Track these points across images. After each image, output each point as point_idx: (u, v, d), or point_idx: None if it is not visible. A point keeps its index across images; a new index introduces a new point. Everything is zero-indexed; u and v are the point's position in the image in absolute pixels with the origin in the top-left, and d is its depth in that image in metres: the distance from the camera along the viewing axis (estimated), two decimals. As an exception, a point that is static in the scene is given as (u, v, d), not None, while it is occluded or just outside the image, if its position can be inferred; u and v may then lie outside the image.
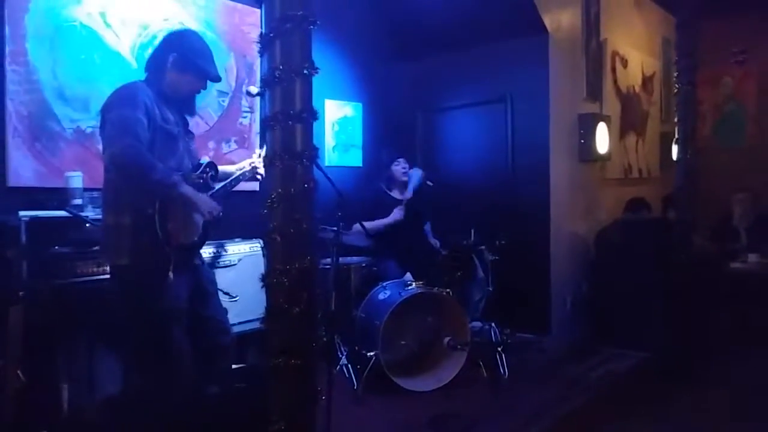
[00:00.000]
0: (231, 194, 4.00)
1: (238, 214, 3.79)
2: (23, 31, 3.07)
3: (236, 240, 3.62)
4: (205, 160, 2.65)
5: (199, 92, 2.58)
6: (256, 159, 2.76)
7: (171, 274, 2.31)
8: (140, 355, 2.38)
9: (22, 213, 2.70)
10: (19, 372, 2.21)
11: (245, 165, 2.77)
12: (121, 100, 2.33)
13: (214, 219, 2.47)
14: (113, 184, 2.35)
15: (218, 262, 3.42)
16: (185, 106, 2.57)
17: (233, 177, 2.70)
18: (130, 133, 2.24)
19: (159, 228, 2.27)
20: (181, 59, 2.45)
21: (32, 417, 2.51)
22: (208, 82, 2.57)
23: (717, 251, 5.05)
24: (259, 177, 2.78)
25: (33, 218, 2.70)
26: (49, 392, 2.61)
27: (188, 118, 2.65)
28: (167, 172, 2.31)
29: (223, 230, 3.63)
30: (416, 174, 4.25)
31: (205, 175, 2.56)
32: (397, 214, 4.07)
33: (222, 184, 2.64)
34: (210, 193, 2.54)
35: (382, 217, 4.10)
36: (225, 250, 3.49)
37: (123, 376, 2.52)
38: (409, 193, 4.20)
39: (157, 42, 2.52)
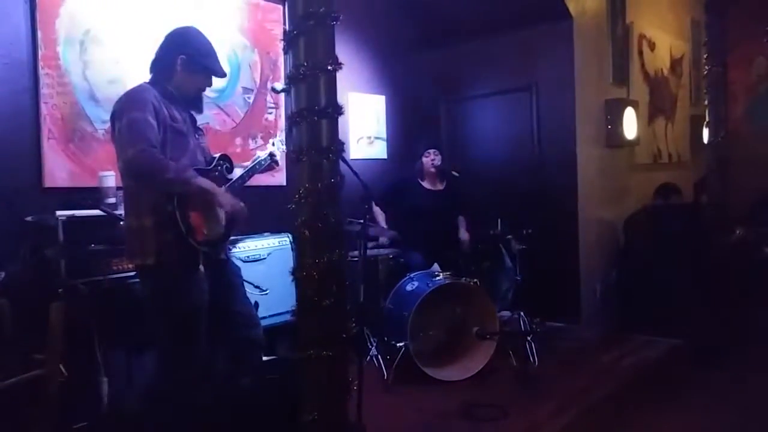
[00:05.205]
0: (259, 189, 4.08)
1: (266, 209, 3.88)
2: (54, 36, 3.15)
3: (265, 234, 3.67)
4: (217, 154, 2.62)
5: (205, 90, 2.57)
6: (271, 147, 2.74)
7: (202, 267, 2.33)
8: (169, 352, 2.40)
9: (58, 213, 2.78)
10: (61, 366, 2.28)
11: (261, 154, 2.74)
12: (130, 104, 2.30)
13: (236, 212, 2.45)
14: (131, 188, 2.36)
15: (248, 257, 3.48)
16: (192, 104, 2.55)
17: (249, 167, 2.67)
18: (141, 137, 2.22)
19: (181, 223, 2.27)
20: (189, 60, 2.43)
21: (73, 410, 2.60)
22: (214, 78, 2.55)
23: (752, 236, 4.94)
24: (275, 165, 2.75)
25: (69, 217, 2.78)
26: (89, 386, 2.69)
27: (196, 114, 2.61)
28: (181, 168, 2.30)
29: (250, 225, 3.72)
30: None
31: (219, 167, 2.55)
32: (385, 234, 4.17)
33: (240, 174, 2.60)
34: (227, 185, 2.52)
35: (409, 203, 4.20)
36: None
37: (154, 373, 2.55)
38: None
39: (161, 42, 2.48)
